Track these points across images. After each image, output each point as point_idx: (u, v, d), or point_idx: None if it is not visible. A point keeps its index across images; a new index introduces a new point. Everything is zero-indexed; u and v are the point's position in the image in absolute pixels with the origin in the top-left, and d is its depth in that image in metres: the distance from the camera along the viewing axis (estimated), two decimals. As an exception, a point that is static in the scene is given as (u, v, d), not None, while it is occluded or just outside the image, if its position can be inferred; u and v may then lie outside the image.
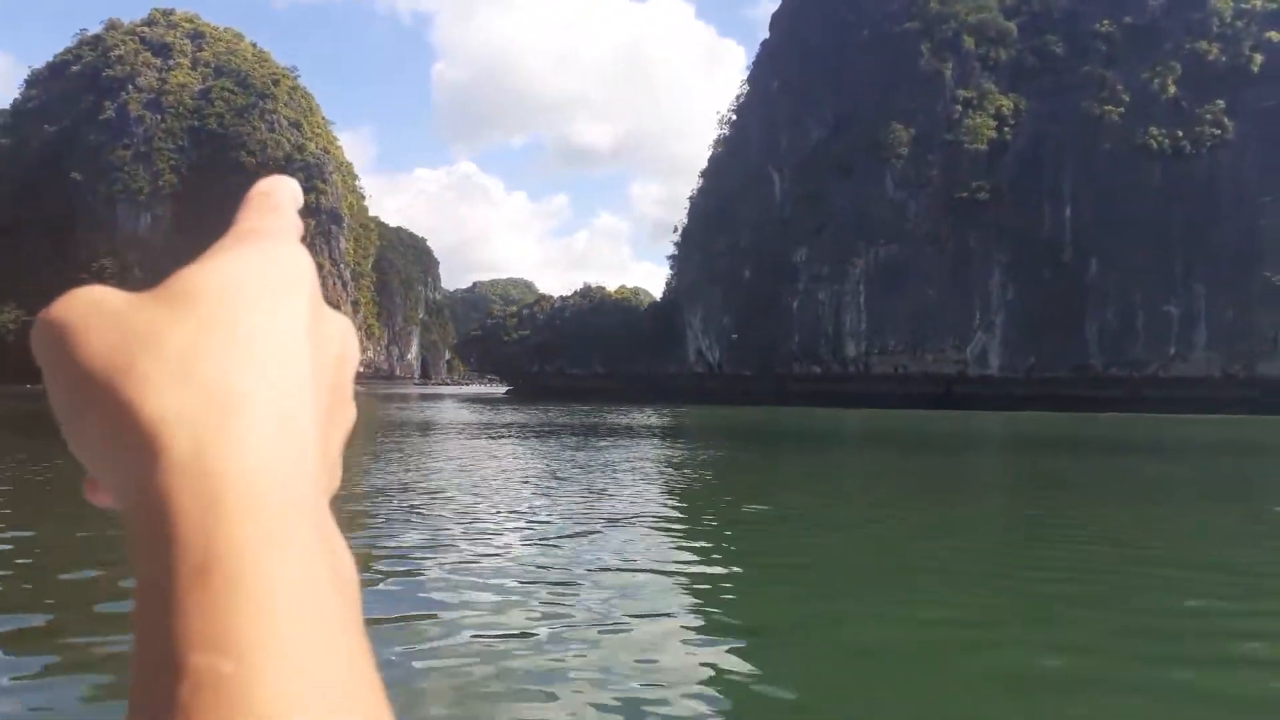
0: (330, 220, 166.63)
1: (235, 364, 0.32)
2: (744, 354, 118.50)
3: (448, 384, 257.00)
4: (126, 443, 0.31)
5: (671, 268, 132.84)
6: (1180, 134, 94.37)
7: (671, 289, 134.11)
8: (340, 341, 0.39)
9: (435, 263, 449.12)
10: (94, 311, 0.34)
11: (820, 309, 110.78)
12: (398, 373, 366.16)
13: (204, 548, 0.28)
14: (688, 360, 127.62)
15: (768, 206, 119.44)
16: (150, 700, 0.26)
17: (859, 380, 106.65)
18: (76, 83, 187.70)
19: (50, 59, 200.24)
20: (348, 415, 0.40)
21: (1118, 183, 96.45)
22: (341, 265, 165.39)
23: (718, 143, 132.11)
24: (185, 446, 0.30)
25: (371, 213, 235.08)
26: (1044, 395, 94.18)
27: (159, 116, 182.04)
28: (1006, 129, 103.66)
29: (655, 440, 32.39)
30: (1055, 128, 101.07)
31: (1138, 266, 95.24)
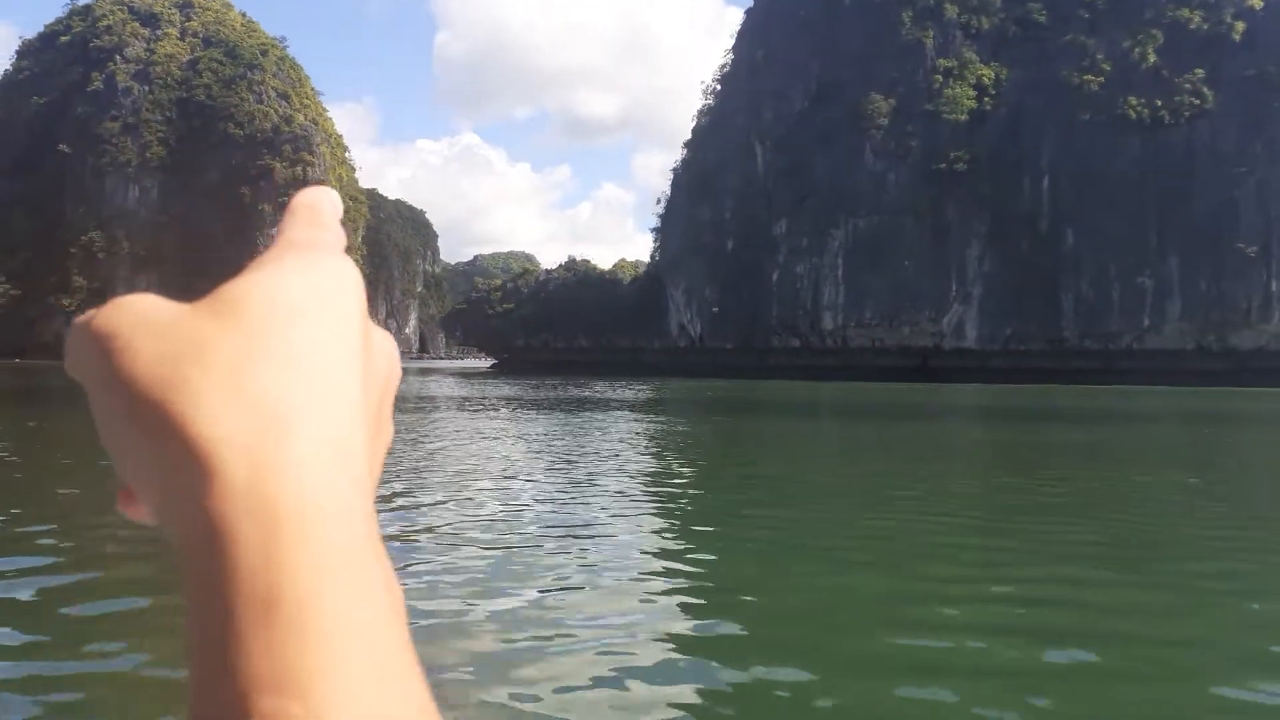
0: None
1: (286, 379, 0.32)
2: (725, 327, 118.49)
3: (442, 358, 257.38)
4: (175, 462, 0.30)
5: (655, 240, 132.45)
6: (1159, 103, 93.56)
7: (655, 262, 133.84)
8: (387, 359, 0.39)
9: (434, 235, 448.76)
10: (140, 322, 0.33)
11: (799, 282, 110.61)
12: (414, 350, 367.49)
13: (267, 582, 0.27)
14: (671, 334, 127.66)
15: (751, 178, 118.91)
16: None
17: (837, 354, 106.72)
18: (66, 53, 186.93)
19: (42, 29, 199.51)
20: (388, 434, 0.39)
21: (1096, 153, 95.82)
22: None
23: (702, 113, 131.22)
24: (241, 470, 0.30)
25: (372, 185, 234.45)
26: (1020, 368, 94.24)
27: (147, 88, 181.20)
28: (987, 99, 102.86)
29: (637, 414, 32.71)
30: (1035, 97, 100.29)
31: (1113, 238, 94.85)
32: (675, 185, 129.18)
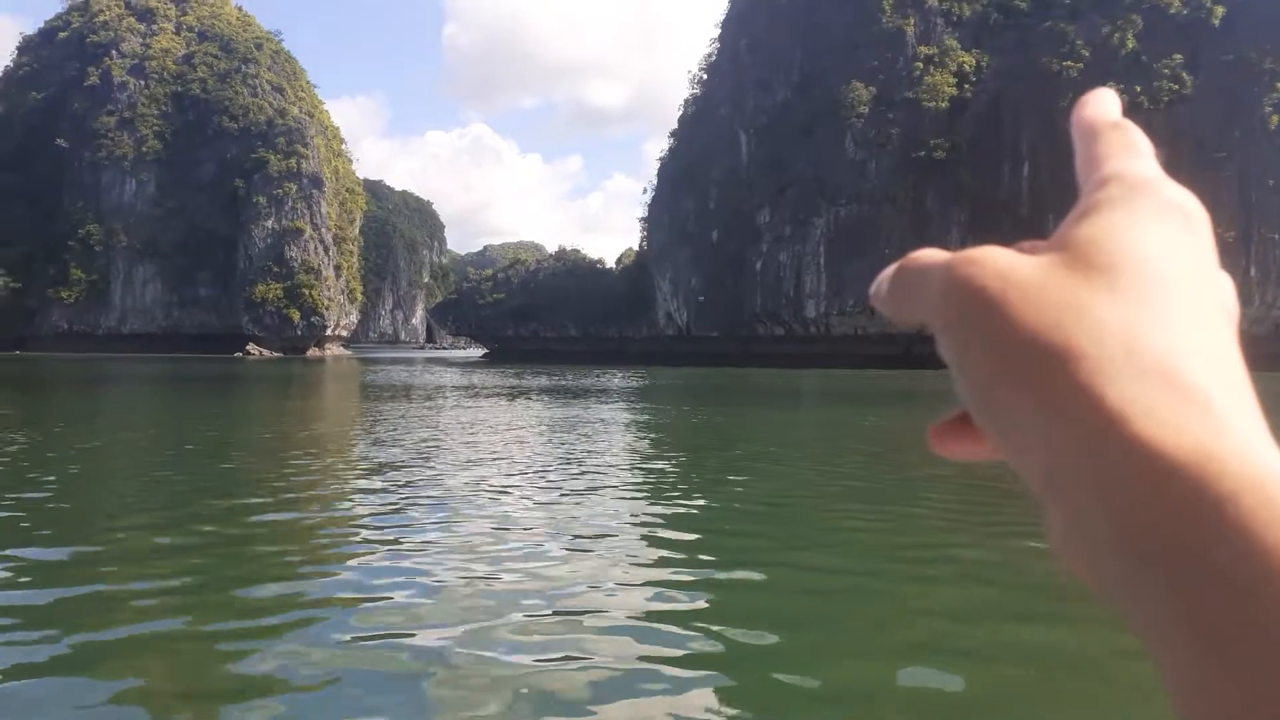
0: (312, 185, 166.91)
1: (1180, 349, 0.30)
2: (711, 316, 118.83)
3: (445, 349, 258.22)
4: (1078, 431, 0.29)
5: (642, 230, 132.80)
6: (1139, 89, 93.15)
7: (642, 251, 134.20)
8: (1231, 298, 0.35)
9: (440, 226, 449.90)
10: (1007, 283, 0.32)
11: (782, 270, 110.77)
12: (403, 337, 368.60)
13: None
14: (658, 323, 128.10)
15: (735, 167, 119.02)
16: None
17: (820, 341, 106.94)
18: (64, 49, 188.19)
19: (42, 24, 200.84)
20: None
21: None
22: (323, 230, 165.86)
23: (688, 103, 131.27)
24: (1180, 445, 0.27)
25: (380, 176, 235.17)
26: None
27: (143, 82, 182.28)
28: (967, 86, 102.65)
29: (627, 401, 33.36)
30: (1016, 85, 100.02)
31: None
32: (661, 175, 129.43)
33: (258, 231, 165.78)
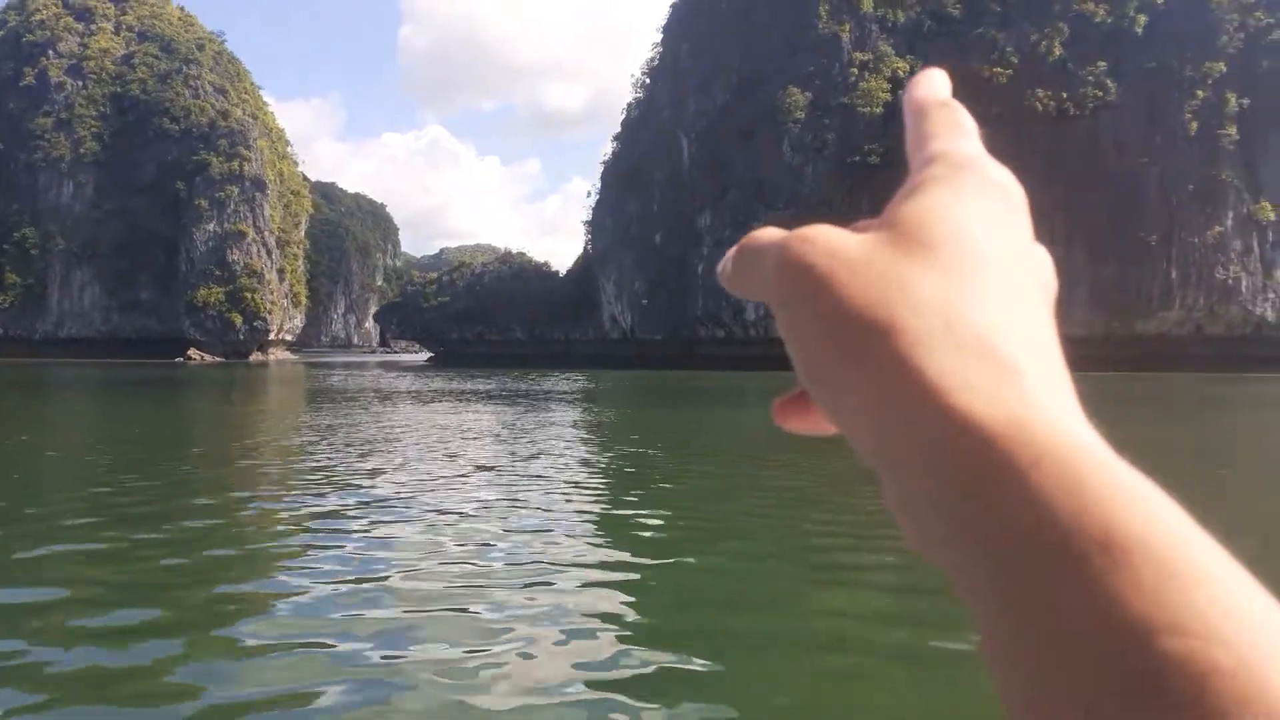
0: (254, 187, 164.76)
1: (996, 322, 0.31)
2: (655, 319, 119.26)
3: (396, 353, 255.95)
4: (901, 402, 0.30)
5: (587, 233, 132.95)
6: (1065, 96, 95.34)
7: (587, 254, 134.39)
8: (1048, 271, 0.38)
9: (394, 229, 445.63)
10: (835, 260, 0.33)
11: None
12: (355, 341, 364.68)
13: (1096, 523, 0.26)
14: (604, 325, 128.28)
15: (677, 170, 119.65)
16: (1094, 690, 0.24)
17: (760, 344, 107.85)
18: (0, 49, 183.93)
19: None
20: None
21: (1005, 145, 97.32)
22: (266, 232, 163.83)
23: (631, 106, 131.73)
24: (993, 414, 0.29)
25: (334, 179, 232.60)
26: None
27: (80, 83, 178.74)
28: (901, 92, 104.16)
29: (572, 405, 33.49)
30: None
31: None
32: (605, 178, 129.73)
33: (199, 234, 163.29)
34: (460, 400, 35.83)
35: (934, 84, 0.43)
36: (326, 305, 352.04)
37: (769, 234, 0.37)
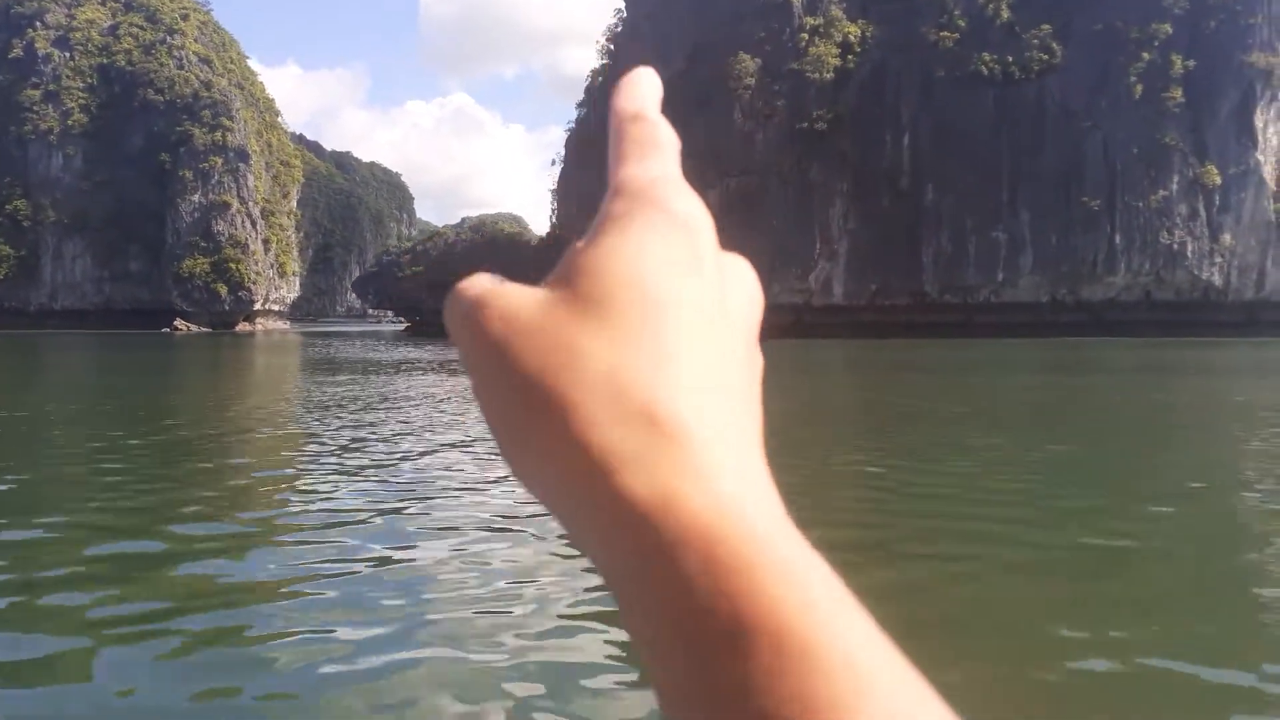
0: (238, 158, 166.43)
1: (666, 385, 0.30)
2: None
3: (380, 323, 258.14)
4: (573, 479, 0.29)
5: (552, 202, 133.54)
6: (1010, 59, 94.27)
7: (554, 224, 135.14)
8: (746, 292, 0.37)
9: (410, 198, 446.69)
10: (510, 328, 0.32)
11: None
12: (371, 311, 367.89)
13: (730, 609, 0.25)
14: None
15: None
16: None
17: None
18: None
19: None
20: (758, 365, 0.36)
21: (952, 110, 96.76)
22: (250, 203, 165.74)
23: (596, 73, 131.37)
24: (646, 492, 0.28)
25: (361, 148, 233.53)
26: (886, 322, 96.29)
27: (67, 54, 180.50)
28: (851, 57, 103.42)
29: None
30: (897, 55, 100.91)
31: (969, 193, 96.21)
32: (569, 146, 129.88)
33: (184, 206, 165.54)
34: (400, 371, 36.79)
35: (634, 92, 0.39)
36: (341, 275, 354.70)
37: (472, 286, 0.34)
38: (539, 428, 0.30)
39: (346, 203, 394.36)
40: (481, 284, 0.34)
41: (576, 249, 0.34)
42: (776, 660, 0.24)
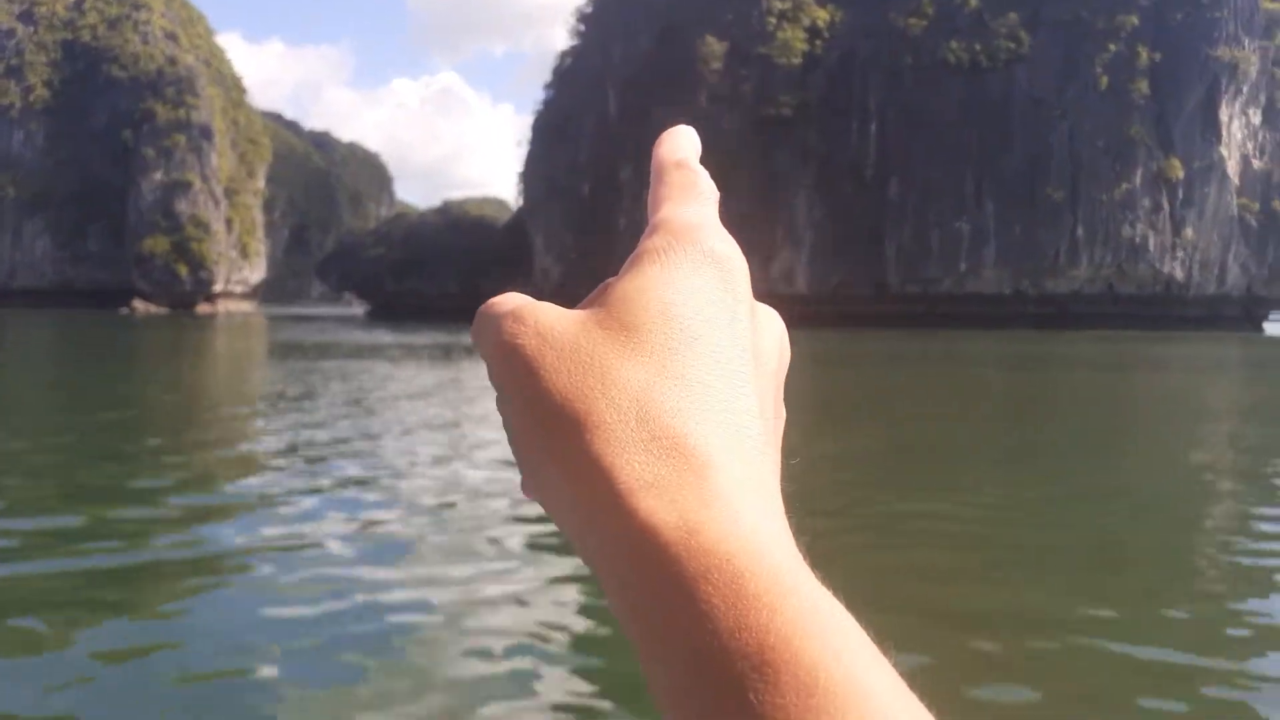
0: (201, 136, 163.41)
1: (696, 417, 0.30)
2: (582, 273, 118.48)
3: (347, 304, 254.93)
4: (596, 501, 0.29)
5: (519, 184, 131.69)
6: (979, 48, 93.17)
7: (520, 206, 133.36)
8: (776, 341, 0.37)
9: (389, 179, 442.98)
10: (545, 343, 0.32)
11: (642, 228, 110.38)
12: (346, 294, 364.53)
13: (753, 643, 0.25)
14: (536, 279, 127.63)
15: (604, 121, 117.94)
16: None
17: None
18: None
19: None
20: (781, 417, 0.37)
21: (919, 99, 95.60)
22: (213, 182, 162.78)
23: (564, 54, 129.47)
24: (673, 520, 0.28)
25: (342, 127, 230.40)
26: (849, 314, 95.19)
27: (31, 28, 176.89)
28: (819, 42, 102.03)
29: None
30: (865, 41, 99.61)
31: (934, 184, 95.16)
32: (536, 128, 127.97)
33: (146, 184, 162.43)
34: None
35: (677, 144, 0.41)
36: (316, 257, 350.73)
37: (505, 302, 0.35)
38: (566, 446, 0.30)
39: (324, 183, 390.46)
40: (516, 300, 0.35)
41: (617, 278, 0.35)
42: (803, 701, 0.24)
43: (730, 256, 0.35)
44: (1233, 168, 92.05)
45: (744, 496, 0.29)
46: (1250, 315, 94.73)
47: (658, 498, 0.28)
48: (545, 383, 0.31)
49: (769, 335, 0.37)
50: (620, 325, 0.32)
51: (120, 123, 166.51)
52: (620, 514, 0.28)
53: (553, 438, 0.31)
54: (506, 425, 0.33)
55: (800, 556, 0.29)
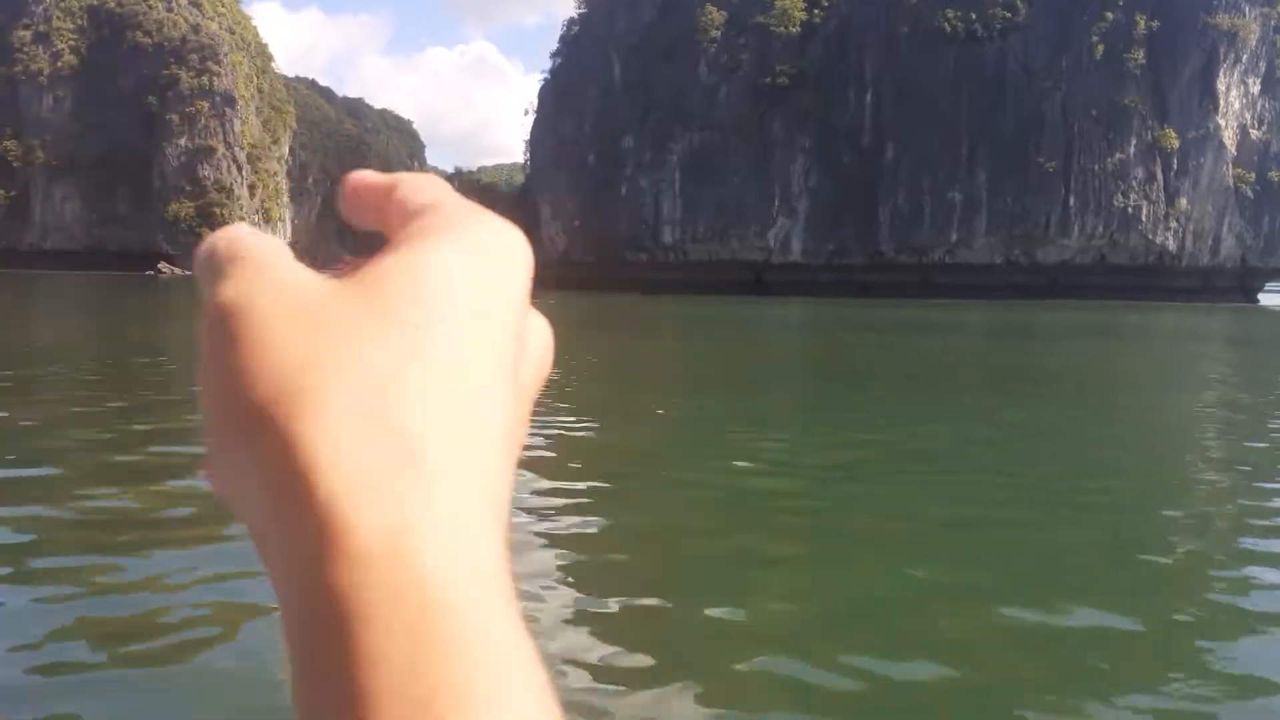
0: (224, 102, 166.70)
1: (439, 413, 0.26)
2: (587, 241, 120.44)
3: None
4: (293, 495, 0.25)
5: (526, 153, 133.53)
6: (974, 16, 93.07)
7: (527, 175, 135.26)
8: (538, 359, 0.33)
9: (421, 145, 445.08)
10: (282, 306, 0.28)
11: (643, 196, 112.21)
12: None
13: (422, 685, 0.23)
14: (544, 246, 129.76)
15: (609, 90, 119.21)
16: None
17: (679, 268, 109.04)
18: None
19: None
20: (522, 435, 0.32)
21: (915, 67, 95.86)
22: (236, 149, 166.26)
23: (571, 22, 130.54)
24: (377, 527, 0.24)
25: (378, 94, 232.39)
26: (844, 281, 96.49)
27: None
28: (818, 11, 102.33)
29: None
30: (863, 10, 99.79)
31: (928, 152, 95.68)
32: (543, 96, 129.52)
33: (170, 150, 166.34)
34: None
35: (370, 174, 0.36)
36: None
37: (242, 242, 0.30)
38: (275, 426, 0.26)
39: (355, 149, 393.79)
40: (258, 244, 0.30)
41: (382, 252, 0.30)
42: None
43: (505, 247, 0.31)
44: (1230, 137, 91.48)
45: (469, 508, 0.26)
46: (1244, 287, 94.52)
47: (368, 498, 0.25)
48: (273, 351, 0.27)
49: (535, 342, 0.33)
50: (372, 301, 0.28)
51: (145, 89, 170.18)
52: (316, 511, 0.25)
53: (262, 415, 0.26)
54: (207, 392, 0.28)
55: (511, 584, 0.26)
